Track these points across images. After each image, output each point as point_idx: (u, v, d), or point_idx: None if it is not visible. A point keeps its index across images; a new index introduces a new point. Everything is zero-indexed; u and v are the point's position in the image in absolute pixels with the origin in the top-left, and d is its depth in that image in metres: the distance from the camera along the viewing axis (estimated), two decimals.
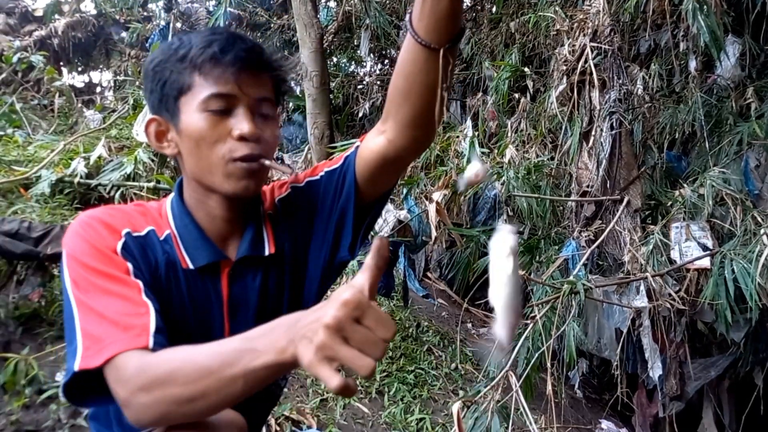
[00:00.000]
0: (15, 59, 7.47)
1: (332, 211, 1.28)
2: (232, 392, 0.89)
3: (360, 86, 8.01)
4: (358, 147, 1.24)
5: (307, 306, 1.34)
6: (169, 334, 1.08)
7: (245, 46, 1.14)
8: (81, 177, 4.27)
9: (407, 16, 1.05)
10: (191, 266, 1.18)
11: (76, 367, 0.97)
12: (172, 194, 1.27)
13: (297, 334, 0.84)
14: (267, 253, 1.24)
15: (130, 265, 1.09)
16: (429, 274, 5.72)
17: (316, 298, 1.36)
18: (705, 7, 3.45)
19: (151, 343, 0.98)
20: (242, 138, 1.12)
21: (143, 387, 0.92)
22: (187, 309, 1.18)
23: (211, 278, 1.21)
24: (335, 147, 4.02)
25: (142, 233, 1.17)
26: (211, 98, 1.12)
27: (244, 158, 1.12)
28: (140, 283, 1.07)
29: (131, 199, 4.12)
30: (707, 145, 4.15)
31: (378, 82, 7.80)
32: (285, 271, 1.28)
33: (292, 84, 1.48)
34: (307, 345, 0.81)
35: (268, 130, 1.17)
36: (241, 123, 1.12)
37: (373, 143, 1.19)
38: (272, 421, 2.76)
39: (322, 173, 1.31)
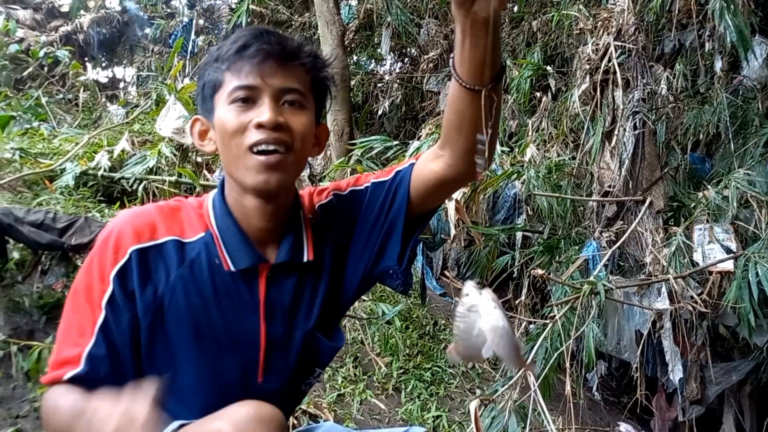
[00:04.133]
0: (41, 54, 7.60)
1: (379, 221, 1.30)
2: None
3: (380, 84, 8.01)
4: (413, 164, 1.28)
5: (342, 309, 1.37)
6: (196, 338, 1.18)
7: (270, 39, 1.16)
8: (104, 170, 4.32)
9: (450, 60, 1.10)
10: (232, 268, 1.19)
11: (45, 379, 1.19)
12: (215, 191, 1.27)
13: None
14: (306, 259, 1.25)
15: (110, 292, 1.15)
16: (446, 273, 5.70)
17: (351, 302, 1.40)
18: (732, 6, 3.40)
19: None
20: (260, 126, 1.13)
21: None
22: (215, 311, 1.19)
23: (249, 280, 1.22)
24: (354, 144, 4.03)
25: (158, 241, 1.18)
26: (235, 90, 1.14)
27: (259, 143, 1.13)
28: (102, 315, 1.15)
29: (153, 193, 4.16)
30: (732, 147, 4.10)
31: (398, 81, 7.80)
32: (322, 277, 1.29)
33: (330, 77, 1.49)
34: None
35: (296, 120, 1.17)
36: (260, 111, 1.13)
37: (433, 164, 1.23)
38: None
39: (368, 184, 1.33)
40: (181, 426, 1.13)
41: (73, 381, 1.13)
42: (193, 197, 1.31)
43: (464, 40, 1.05)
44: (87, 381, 1.13)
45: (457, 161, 1.19)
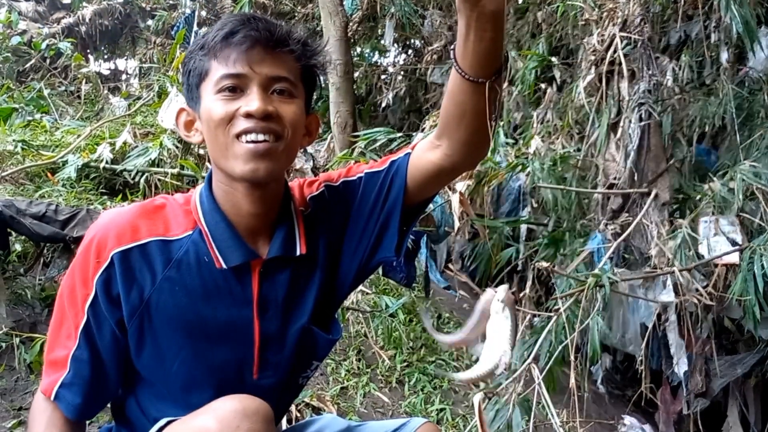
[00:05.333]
0: (43, 46, 7.60)
1: (375, 211, 1.28)
2: None
3: (383, 76, 7.98)
4: (408, 154, 1.26)
5: (338, 301, 1.35)
6: (188, 338, 1.17)
7: (258, 25, 1.12)
8: (107, 162, 4.31)
9: (451, 52, 1.09)
10: (224, 266, 1.17)
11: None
12: (202, 186, 1.25)
13: None
14: (298, 253, 1.23)
15: (92, 296, 1.15)
16: (450, 266, 5.68)
17: (347, 293, 1.40)
18: None
19: (52, 397, 1.19)
20: (249, 115, 1.10)
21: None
22: (206, 309, 1.17)
23: (241, 277, 1.19)
24: (358, 136, 4.01)
25: (141, 242, 1.16)
26: (222, 79, 1.11)
27: (247, 131, 1.10)
28: (84, 319, 1.16)
29: (155, 185, 4.15)
30: (738, 139, 4.06)
31: (401, 72, 7.76)
32: (316, 269, 1.26)
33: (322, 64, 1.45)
34: None
35: (286, 108, 1.14)
36: (249, 100, 1.10)
37: (431, 154, 1.21)
38: (293, 407, 2.77)
39: (362, 174, 1.31)
40: (169, 423, 1.12)
41: (62, 387, 1.18)
42: (179, 194, 1.29)
43: (468, 33, 1.03)
44: (73, 384, 1.18)
45: (456, 152, 1.18)
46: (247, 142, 1.10)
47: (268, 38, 1.12)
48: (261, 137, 1.10)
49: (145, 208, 1.21)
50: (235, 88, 1.11)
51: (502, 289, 1.17)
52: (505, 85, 5.53)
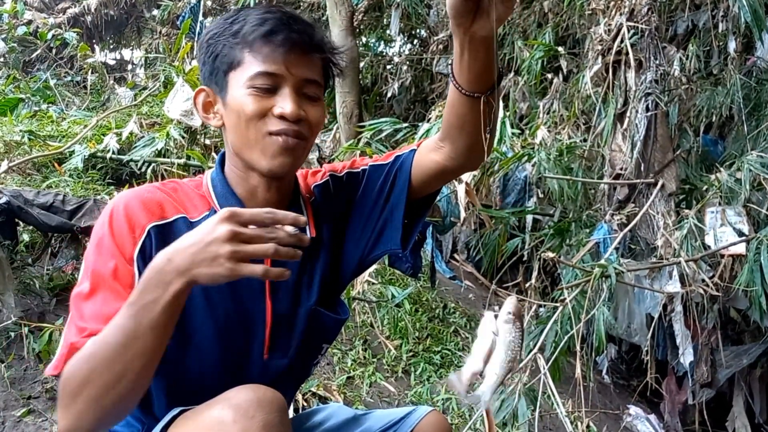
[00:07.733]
0: (49, 36, 7.59)
1: (378, 203, 1.33)
2: (146, 351, 0.97)
3: (389, 66, 7.94)
4: (413, 151, 1.33)
5: (341, 285, 1.39)
6: (204, 317, 1.17)
7: (298, 27, 1.17)
8: (113, 152, 4.33)
9: (449, 67, 1.14)
10: None
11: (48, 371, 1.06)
12: (213, 170, 1.28)
13: (186, 265, 0.95)
14: (308, 236, 1.24)
15: (136, 274, 1.09)
16: (456, 256, 5.68)
17: (350, 279, 1.44)
18: None
19: (65, 361, 1.03)
20: (282, 117, 1.14)
21: (66, 404, 0.99)
22: (223, 290, 1.18)
23: (254, 259, 1.20)
24: (364, 126, 4.01)
25: (170, 220, 1.18)
26: (257, 76, 1.15)
27: (278, 133, 1.15)
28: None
29: (162, 176, 4.17)
30: (745, 129, 4.05)
31: (407, 62, 7.72)
32: (321, 253, 1.31)
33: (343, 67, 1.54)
34: (212, 264, 0.94)
35: (313, 112, 1.19)
36: (283, 102, 1.15)
37: (435, 155, 1.28)
38: (299, 397, 2.79)
39: (366, 167, 1.37)
40: (181, 412, 1.12)
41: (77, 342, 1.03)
42: (186, 178, 1.32)
43: (463, 54, 1.10)
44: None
45: (459, 155, 1.25)
46: (277, 137, 1.16)
47: (308, 42, 1.18)
48: (290, 139, 1.16)
49: (163, 188, 1.23)
50: (269, 86, 1.15)
51: (510, 302, 1.17)
52: (511, 74, 5.52)
